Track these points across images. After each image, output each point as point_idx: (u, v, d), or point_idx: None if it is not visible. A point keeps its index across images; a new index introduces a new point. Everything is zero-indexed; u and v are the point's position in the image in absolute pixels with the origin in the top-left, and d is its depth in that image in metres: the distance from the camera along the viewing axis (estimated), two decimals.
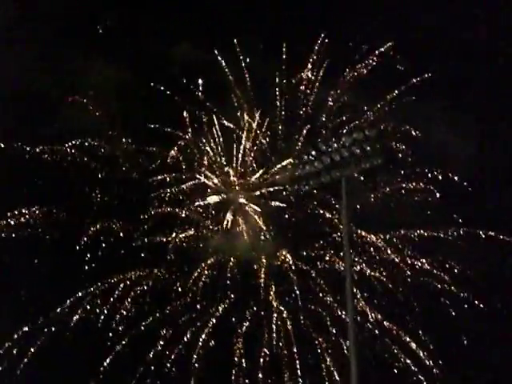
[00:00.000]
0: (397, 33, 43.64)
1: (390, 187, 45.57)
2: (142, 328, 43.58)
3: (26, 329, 42.02)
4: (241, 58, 46.68)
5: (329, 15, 44.51)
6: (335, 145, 32.83)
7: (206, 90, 47.05)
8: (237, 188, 46.69)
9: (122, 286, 44.11)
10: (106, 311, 43.58)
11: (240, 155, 46.79)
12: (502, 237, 43.16)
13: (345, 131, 43.47)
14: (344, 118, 45.75)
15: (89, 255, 43.79)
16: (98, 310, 43.54)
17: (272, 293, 45.13)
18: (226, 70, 46.77)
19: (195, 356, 43.46)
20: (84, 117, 45.09)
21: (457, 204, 43.52)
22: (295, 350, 44.08)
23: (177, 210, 46.02)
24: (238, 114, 46.99)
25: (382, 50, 45.42)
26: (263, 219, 45.76)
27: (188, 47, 46.45)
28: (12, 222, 43.55)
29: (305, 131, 46.17)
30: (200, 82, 47.15)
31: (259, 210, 45.88)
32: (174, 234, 45.24)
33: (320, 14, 44.55)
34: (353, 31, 43.83)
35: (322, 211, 46.01)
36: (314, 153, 33.19)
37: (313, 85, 46.77)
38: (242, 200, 46.28)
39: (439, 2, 43.75)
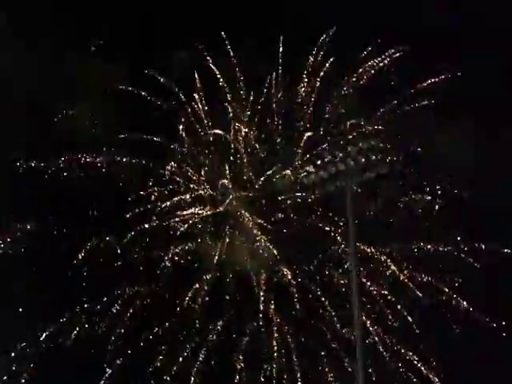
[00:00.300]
0: (397, 35, 43.68)
1: (390, 199, 45.56)
2: (141, 344, 43.16)
3: (23, 344, 41.52)
4: (237, 69, 46.87)
5: (327, 18, 44.40)
6: (340, 154, 32.88)
7: (201, 101, 46.70)
8: (234, 202, 46.32)
9: (119, 301, 43.59)
10: (103, 327, 42.97)
11: (238, 167, 46.64)
12: (505, 250, 43.23)
13: (342, 142, 43.41)
14: (343, 127, 45.63)
15: (86, 271, 43.32)
16: (95, 326, 43.00)
17: (272, 307, 44.72)
18: (221, 80, 46.75)
19: (195, 371, 42.96)
20: (79, 128, 44.77)
21: (457, 216, 43.32)
22: (296, 365, 43.79)
23: (174, 224, 45.63)
24: (237, 125, 46.84)
25: (383, 56, 45.63)
26: (262, 232, 45.37)
27: (184, 55, 46.19)
28: (8, 239, 43.14)
29: (303, 141, 46.02)
30: (196, 95, 46.96)
31: (258, 222, 45.52)
32: (171, 248, 44.83)
33: (318, 16, 44.39)
34: (351, 36, 43.76)
35: (320, 224, 45.84)
36: (318, 162, 33.22)
37: (311, 93, 46.68)
38: (240, 212, 45.88)
39: (438, 2, 43.86)
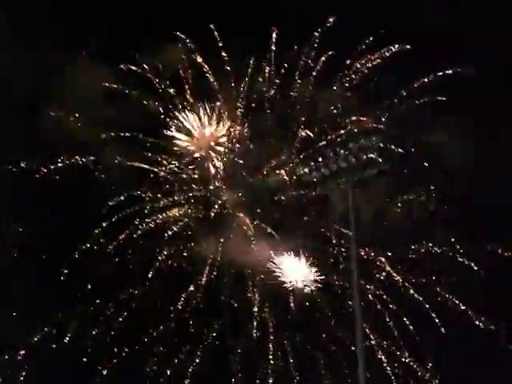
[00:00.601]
0: (396, 35, 43.66)
1: (386, 199, 45.42)
2: (136, 346, 42.68)
3: (18, 346, 41.03)
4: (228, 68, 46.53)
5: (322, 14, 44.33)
6: (341, 151, 32.75)
7: (195, 100, 46.37)
8: (228, 202, 46.01)
9: (114, 303, 43.19)
10: (98, 330, 42.53)
11: (232, 166, 46.36)
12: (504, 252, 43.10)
13: (341, 139, 43.31)
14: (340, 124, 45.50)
15: (80, 272, 42.80)
16: (90, 330, 42.48)
17: (267, 309, 44.43)
18: (213, 80, 46.41)
19: (190, 374, 42.67)
20: (71, 128, 44.33)
21: (457, 216, 43.19)
22: (292, 368, 43.52)
23: (168, 224, 45.18)
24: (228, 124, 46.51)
25: (376, 56, 45.46)
26: (257, 232, 45.02)
27: (181, 55, 45.85)
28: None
29: (298, 139, 45.68)
30: (189, 94, 46.64)
31: (253, 222, 45.18)
32: (166, 250, 44.43)
33: (317, 15, 44.34)
34: (351, 35, 43.69)
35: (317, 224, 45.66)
36: (320, 159, 33.10)
37: (304, 91, 46.33)
38: (235, 212, 45.56)
39: (438, 2, 43.88)
